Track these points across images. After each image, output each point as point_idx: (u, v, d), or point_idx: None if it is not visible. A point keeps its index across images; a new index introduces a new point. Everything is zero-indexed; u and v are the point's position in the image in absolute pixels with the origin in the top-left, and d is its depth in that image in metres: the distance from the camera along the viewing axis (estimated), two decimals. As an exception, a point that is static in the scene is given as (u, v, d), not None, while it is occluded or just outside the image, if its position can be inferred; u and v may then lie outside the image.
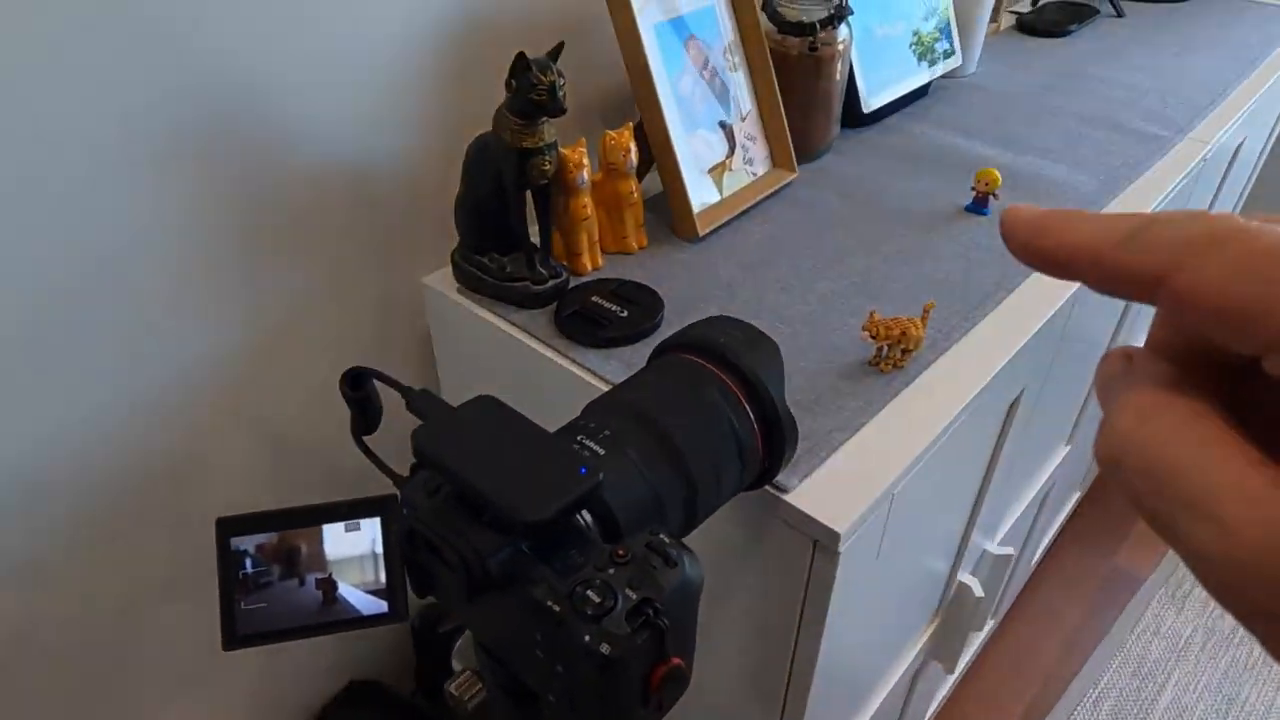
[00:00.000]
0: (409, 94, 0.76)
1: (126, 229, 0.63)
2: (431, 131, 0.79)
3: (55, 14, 0.54)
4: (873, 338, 0.66)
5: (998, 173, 0.87)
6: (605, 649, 0.36)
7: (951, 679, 1.38)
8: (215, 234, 0.69)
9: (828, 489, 0.58)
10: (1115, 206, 0.92)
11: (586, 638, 0.36)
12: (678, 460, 0.46)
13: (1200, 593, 1.73)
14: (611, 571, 0.38)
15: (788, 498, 0.57)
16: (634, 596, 0.37)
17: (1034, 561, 1.62)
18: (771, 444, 0.51)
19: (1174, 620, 1.68)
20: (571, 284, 0.76)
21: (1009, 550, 1.06)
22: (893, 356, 0.68)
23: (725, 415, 0.49)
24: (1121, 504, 1.93)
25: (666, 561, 0.38)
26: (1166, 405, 0.16)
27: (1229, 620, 1.67)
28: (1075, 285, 0.79)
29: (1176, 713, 1.53)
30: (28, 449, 0.65)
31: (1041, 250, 0.18)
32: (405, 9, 0.72)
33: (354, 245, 0.79)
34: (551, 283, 0.74)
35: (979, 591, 1.00)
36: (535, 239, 0.75)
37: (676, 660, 0.39)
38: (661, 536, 0.39)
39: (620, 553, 0.39)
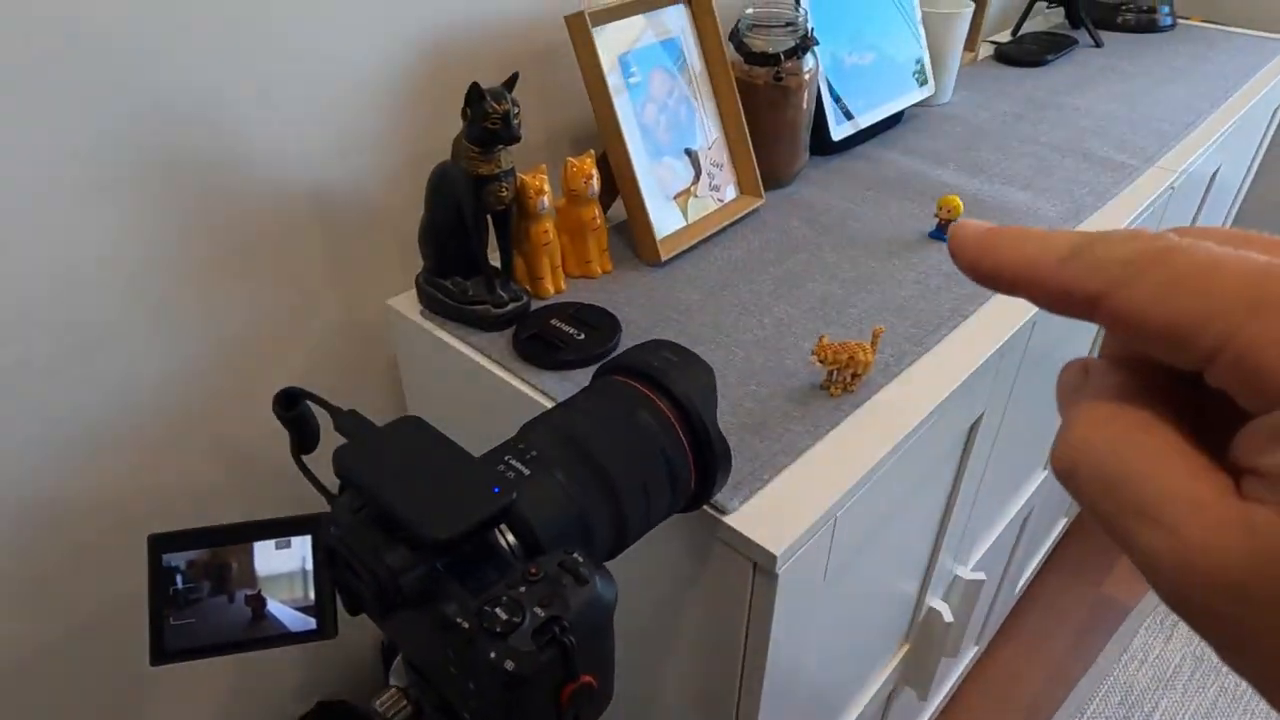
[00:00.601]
0: (374, 119, 0.78)
1: (89, 251, 0.65)
2: (397, 156, 0.81)
3: (21, 37, 0.56)
4: (821, 362, 0.67)
5: (959, 200, 0.88)
6: (510, 665, 0.36)
7: (932, 708, 1.37)
8: (180, 257, 0.70)
9: (768, 511, 0.58)
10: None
11: (492, 654, 0.37)
12: (605, 481, 0.47)
13: (1188, 620, 1.72)
14: (523, 589, 0.39)
15: (727, 519, 0.58)
16: (542, 614, 0.38)
17: (1018, 589, 1.61)
18: (703, 466, 0.52)
19: (1162, 648, 1.67)
20: (533, 307, 0.78)
21: (980, 576, 1.06)
22: (842, 380, 0.68)
23: (656, 437, 0.50)
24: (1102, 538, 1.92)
25: (577, 580, 0.39)
26: (1118, 415, 0.17)
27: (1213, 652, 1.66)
28: (1031, 311, 0.80)
29: (1162, 742, 1.51)
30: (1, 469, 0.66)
31: (988, 268, 0.19)
32: (370, 36, 0.74)
33: (321, 269, 0.80)
34: (511, 306, 0.76)
35: (949, 617, 0.99)
36: (498, 263, 0.76)
37: (587, 678, 0.39)
38: (575, 555, 0.40)
39: (533, 571, 0.39)
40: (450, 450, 0.41)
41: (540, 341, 0.73)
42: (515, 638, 0.37)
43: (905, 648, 1.03)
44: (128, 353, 0.70)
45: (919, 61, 1.17)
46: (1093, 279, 0.16)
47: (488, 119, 0.65)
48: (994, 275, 0.19)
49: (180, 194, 0.68)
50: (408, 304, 0.80)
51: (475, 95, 0.65)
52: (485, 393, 0.74)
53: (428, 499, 0.38)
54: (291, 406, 0.48)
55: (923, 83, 1.18)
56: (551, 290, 0.80)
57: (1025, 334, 0.81)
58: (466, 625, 0.38)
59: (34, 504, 0.69)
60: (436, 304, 0.77)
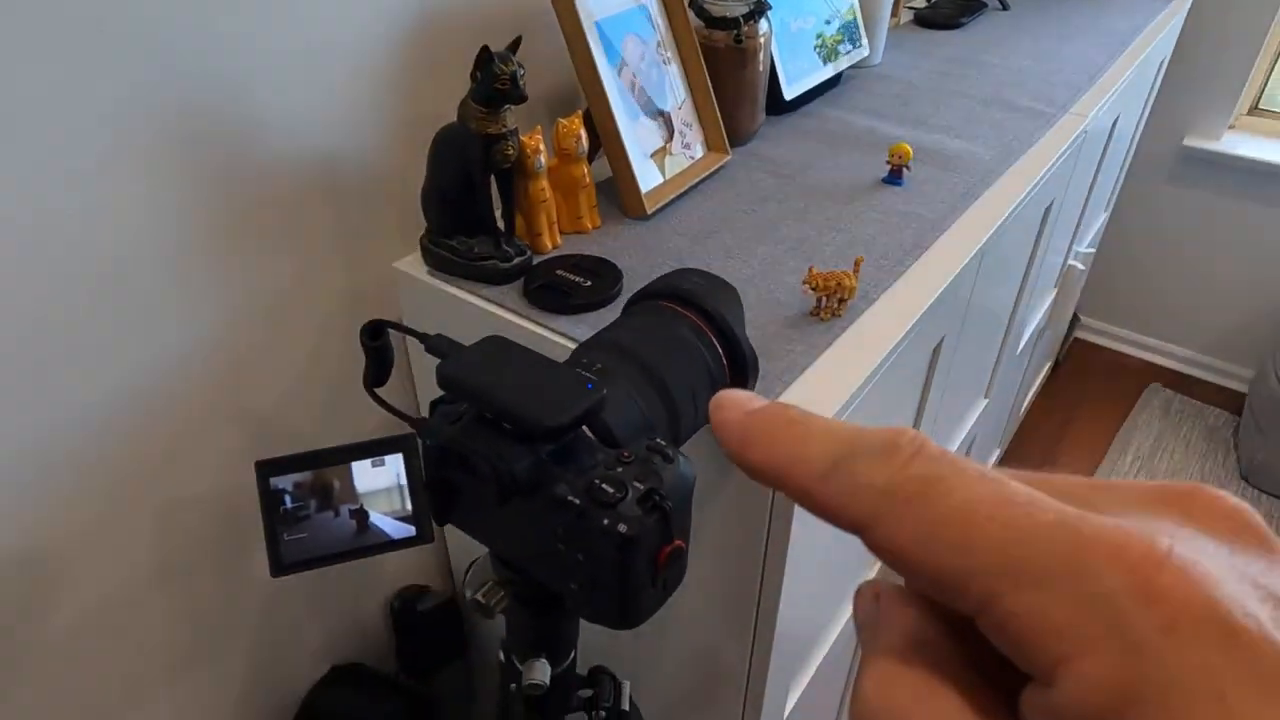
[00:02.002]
0: (371, 88, 0.81)
1: (106, 225, 0.66)
2: (392, 124, 0.84)
3: (37, 9, 0.58)
4: (812, 289, 0.74)
5: (909, 147, 0.97)
6: (622, 528, 0.42)
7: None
8: (191, 229, 0.72)
9: (785, 418, 0.66)
10: (1011, 174, 1.03)
11: (605, 521, 0.43)
12: (661, 387, 0.53)
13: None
14: (619, 470, 0.45)
15: (751, 427, 0.65)
16: (641, 487, 0.44)
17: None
18: (736, 374, 0.58)
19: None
20: (535, 261, 0.83)
21: (940, 492, 1.17)
22: (830, 306, 0.76)
23: (697, 348, 0.56)
24: (1039, 457, 2.09)
25: (665, 459, 0.45)
26: (901, 677, 0.16)
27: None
28: (981, 241, 0.90)
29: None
30: (18, 445, 0.67)
31: (750, 466, 0.18)
32: (365, 8, 0.78)
33: (324, 237, 0.83)
34: (518, 260, 0.80)
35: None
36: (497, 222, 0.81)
37: (679, 542, 0.46)
38: (659, 440, 0.46)
39: (625, 455, 0.45)
40: (538, 358, 0.47)
41: (550, 290, 0.78)
42: (623, 506, 0.43)
43: (878, 566, 1.13)
44: (159, 325, 0.72)
45: (851, 29, 1.26)
46: (853, 506, 0.16)
47: (497, 80, 0.69)
48: (758, 475, 0.18)
49: (198, 165, 0.70)
50: (413, 265, 0.84)
51: (485, 58, 0.69)
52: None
53: (535, 395, 0.44)
54: (378, 336, 0.52)
55: (858, 45, 1.27)
56: (549, 245, 0.85)
57: (975, 264, 0.91)
58: (578, 501, 0.43)
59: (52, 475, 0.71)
60: (444, 263, 0.81)
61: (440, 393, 0.49)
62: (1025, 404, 2.06)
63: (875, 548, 0.16)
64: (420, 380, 0.97)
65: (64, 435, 0.70)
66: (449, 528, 0.50)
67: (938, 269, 0.85)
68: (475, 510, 0.50)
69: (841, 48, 1.23)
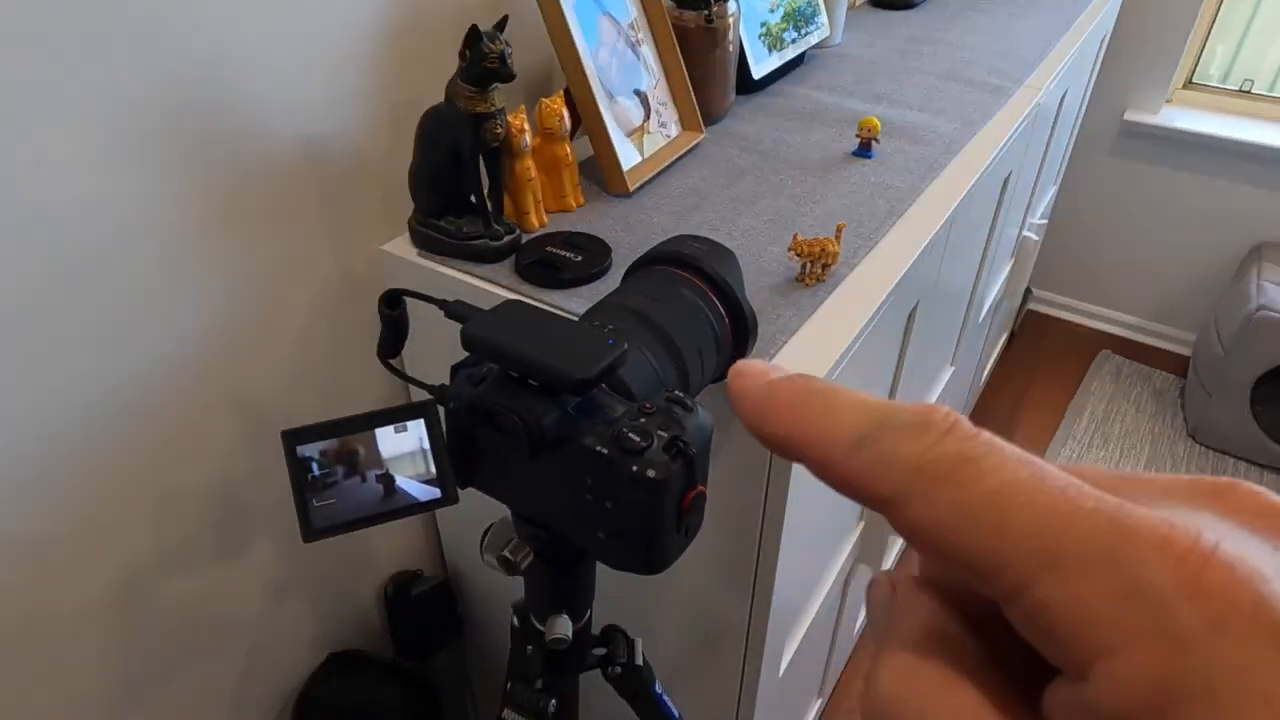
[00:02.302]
0: (355, 72, 0.82)
1: (99, 215, 0.66)
2: (375, 107, 0.85)
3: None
4: (798, 255, 0.77)
5: (878, 120, 1.01)
6: (651, 473, 0.44)
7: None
8: (184, 217, 0.72)
9: (780, 378, 0.68)
10: (973, 145, 1.07)
11: (634, 468, 0.45)
12: (671, 346, 0.55)
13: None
14: (643, 420, 0.47)
15: (749, 387, 0.67)
16: (665, 435, 0.46)
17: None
18: (738, 333, 0.61)
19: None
20: (524, 239, 0.84)
21: (915, 455, 1.21)
22: (815, 272, 0.79)
23: (701, 309, 0.58)
24: (1000, 424, 2.16)
25: (685, 409, 0.47)
26: (920, 670, 0.16)
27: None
28: (950, 209, 0.93)
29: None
30: (20, 432, 0.67)
31: (771, 437, 0.18)
32: (347, -5, 0.78)
33: (312, 221, 0.83)
34: (507, 238, 0.82)
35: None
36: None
37: (701, 487, 0.48)
38: (677, 392, 0.48)
39: (647, 405, 0.47)
40: (557, 318, 0.49)
41: (542, 266, 0.80)
42: (650, 453, 0.45)
43: (860, 526, 1.17)
44: (155, 311, 0.72)
45: (805, 12, 1.29)
46: (881, 481, 0.16)
47: (486, 58, 0.71)
48: (778, 447, 0.18)
49: (186, 150, 0.70)
50: (402, 247, 0.85)
51: (474, 36, 0.70)
52: (495, 318, 0.80)
53: (561, 351, 0.45)
54: (395, 305, 0.53)
55: (819, 26, 1.30)
56: (536, 224, 0.87)
57: (945, 233, 0.94)
58: (606, 451, 0.45)
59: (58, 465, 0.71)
60: (434, 243, 0.82)
61: (450, 363, 0.50)
62: (985, 374, 2.13)
63: (902, 526, 0.15)
64: (412, 356, 0.98)
65: (62, 427, 0.69)
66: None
67: (912, 235, 0.88)
68: (499, 470, 0.51)
69: (786, 35, 1.25)
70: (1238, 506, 0.15)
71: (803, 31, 1.26)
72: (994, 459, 0.15)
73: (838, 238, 0.78)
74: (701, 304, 0.58)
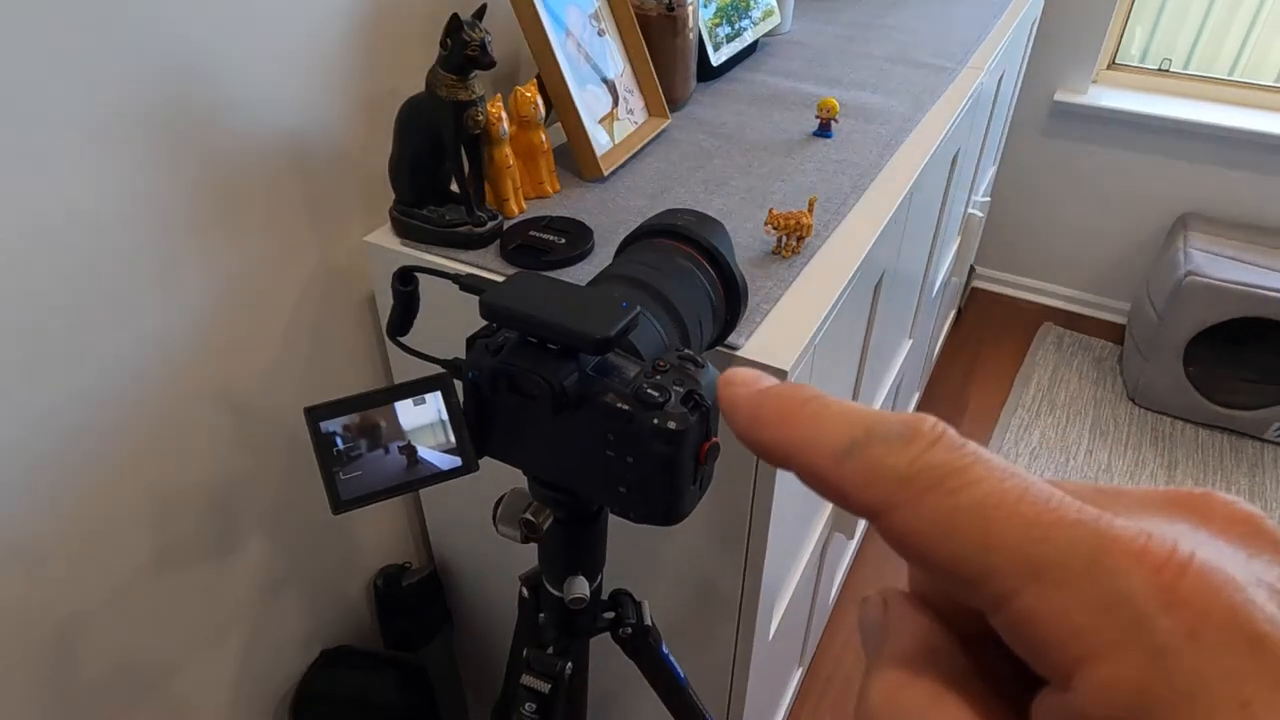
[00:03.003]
0: (328, 67, 0.82)
1: (86, 216, 0.66)
2: (351, 100, 0.86)
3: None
4: (775, 229, 0.81)
5: (836, 101, 1.05)
6: (671, 425, 0.47)
7: (851, 549, 1.58)
8: (168, 215, 0.72)
9: (767, 344, 0.71)
10: (925, 122, 1.12)
11: (655, 421, 0.47)
12: (672, 311, 0.58)
13: (1025, 459, 2.05)
14: (658, 377, 0.49)
15: (740, 353, 0.70)
16: (681, 390, 0.48)
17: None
18: (730, 299, 0.63)
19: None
20: (505, 225, 0.86)
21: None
22: (790, 245, 0.82)
23: (696, 276, 0.61)
24: (952, 395, 2.24)
25: (696, 365, 0.50)
26: (909, 686, 0.16)
27: (1047, 477, 2.00)
28: (914, 176, 0.98)
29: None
30: (9, 440, 0.66)
31: (761, 444, 0.18)
32: (321, -11, 0.79)
33: (293, 215, 0.84)
34: (490, 224, 0.83)
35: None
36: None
37: (715, 438, 0.51)
38: (687, 350, 0.51)
39: (661, 364, 0.50)
40: (569, 285, 0.51)
41: (527, 250, 0.81)
42: (670, 406, 0.47)
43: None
44: (138, 306, 0.72)
45: (722, 10, 1.33)
46: (869, 490, 0.16)
47: (468, 46, 0.72)
48: (768, 454, 0.18)
49: (169, 146, 0.70)
50: (384, 237, 0.86)
51: (455, 25, 0.72)
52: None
53: (579, 314, 0.48)
54: (408, 282, 0.55)
55: (770, 13, 1.34)
56: (516, 210, 0.89)
57: (906, 204, 0.99)
58: (627, 407, 0.48)
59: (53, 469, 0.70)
60: (417, 232, 0.83)
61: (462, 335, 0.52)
62: (938, 348, 2.21)
63: (889, 535, 0.16)
64: (391, 343, 0.99)
65: (55, 430, 0.69)
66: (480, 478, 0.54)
67: (877, 208, 0.92)
68: (516, 436, 0.53)
69: (720, 30, 1.27)
70: (1212, 516, 0.16)
71: (736, 26, 1.29)
72: (980, 469, 0.15)
73: (810, 211, 0.82)
74: (697, 272, 0.61)
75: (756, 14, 1.31)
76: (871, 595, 0.19)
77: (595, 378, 0.49)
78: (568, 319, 0.47)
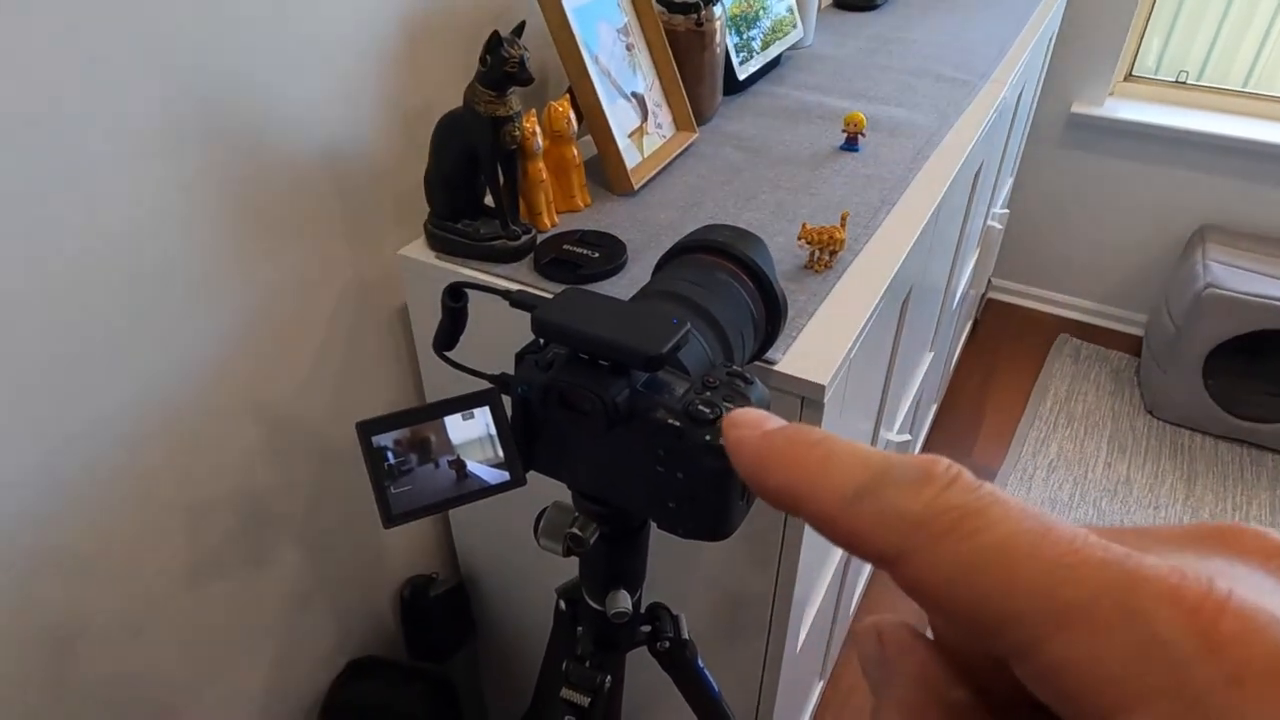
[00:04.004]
0: (365, 81, 0.83)
1: (127, 222, 0.67)
2: (389, 114, 0.87)
3: (67, 10, 0.58)
4: (808, 243, 0.81)
5: (863, 115, 1.05)
6: (723, 441, 0.47)
7: (869, 566, 1.57)
8: (210, 228, 0.73)
9: (804, 358, 0.72)
10: (950, 136, 1.12)
11: (706, 438, 0.47)
12: (716, 328, 0.58)
13: (1042, 472, 2.05)
14: (708, 394, 0.49)
15: (777, 367, 0.71)
16: (731, 406, 0.49)
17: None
18: (771, 313, 0.64)
19: (1026, 497, 1.98)
20: (538, 239, 0.86)
21: (906, 436, 1.26)
22: (823, 259, 0.83)
23: (738, 291, 0.61)
24: (969, 408, 2.24)
25: (745, 382, 0.50)
26: None
27: (1065, 491, 1.99)
28: (943, 191, 0.98)
29: (1042, 569, 1.81)
30: (53, 443, 0.67)
31: (767, 488, 0.17)
32: (358, 4, 0.80)
33: (329, 228, 0.85)
34: (524, 238, 0.84)
35: (891, 472, 1.18)
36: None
37: (763, 454, 0.51)
38: (736, 366, 0.51)
39: (710, 380, 0.50)
40: (618, 302, 0.51)
41: (561, 264, 0.82)
42: (720, 423, 0.48)
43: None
44: (174, 324, 0.73)
45: (791, 9, 1.34)
46: (882, 536, 0.15)
47: (507, 63, 0.73)
48: (775, 500, 0.17)
49: (211, 164, 0.71)
50: (419, 251, 0.86)
51: (494, 42, 0.73)
52: (517, 318, 0.82)
53: (632, 330, 0.48)
54: (459, 298, 0.55)
55: (794, 26, 1.35)
56: (548, 224, 0.89)
57: (934, 221, 0.99)
58: (678, 424, 0.48)
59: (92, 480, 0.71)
60: (453, 246, 0.84)
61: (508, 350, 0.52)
62: (954, 361, 2.21)
63: (904, 582, 0.15)
64: (423, 353, 0.99)
65: (97, 437, 0.70)
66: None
67: (907, 222, 0.92)
68: (562, 451, 0.54)
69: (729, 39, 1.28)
70: (1245, 548, 0.15)
71: (745, 37, 1.31)
72: (998, 511, 0.14)
73: (843, 225, 0.82)
74: (738, 287, 0.61)
75: (766, 24, 1.32)
76: (864, 628, 0.18)
77: (645, 394, 0.49)
78: (620, 335, 0.48)
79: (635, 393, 0.49)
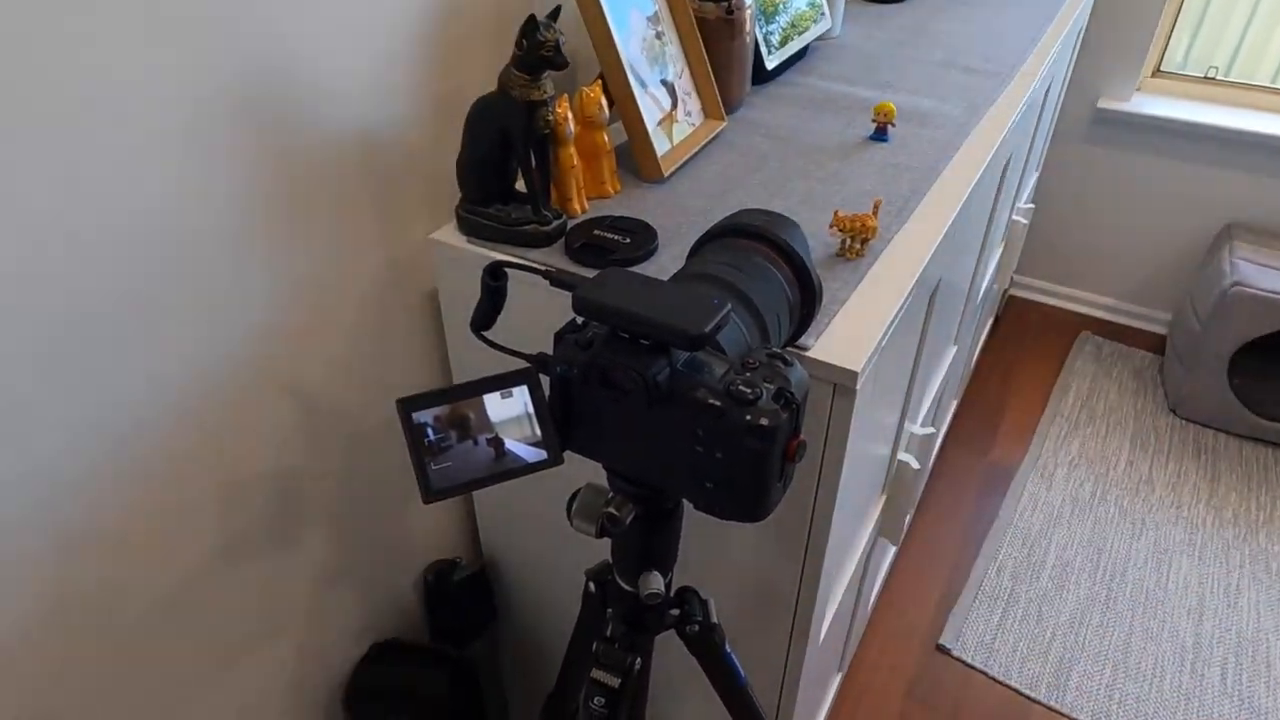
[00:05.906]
0: (400, 63, 0.83)
1: (165, 203, 0.67)
2: (421, 98, 0.87)
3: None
4: (840, 231, 0.81)
5: (893, 105, 1.05)
6: (764, 421, 0.47)
7: (889, 556, 1.57)
8: (246, 208, 0.73)
9: (837, 345, 0.72)
10: (980, 128, 1.12)
11: (747, 417, 0.48)
12: (753, 310, 0.58)
13: (1063, 469, 2.03)
14: (749, 374, 0.49)
15: (810, 354, 0.70)
16: (772, 387, 0.49)
17: (929, 463, 1.85)
18: (806, 297, 0.64)
19: (1046, 495, 1.97)
20: (569, 225, 0.86)
21: (930, 430, 1.25)
22: (854, 247, 0.82)
23: (775, 275, 0.61)
24: (991, 404, 2.22)
25: (785, 363, 0.51)
26: None
27: (1086, 489, 1.98)
28: (974, 181, 0.98)
29: (1061, 566, 1.80)
30: (87, 425, 0.68)
31: None
32: (395, -11, 0.80)
33: (362, 211, 0.85)
34: (555, 223, 0.84)
35: (915, 465, 1.17)
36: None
37: (802, 436, 0.51)
38: (776, 349, 0.51)
39: (750, 361, 0.50)
40: (659, 282, 0.51)
41: (592, 249, 0.82)
42: (762, 403, 0.48)
43: (884, 499, 1.21)
44: (210, 304, 0.73)
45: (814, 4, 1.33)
46: None
47: (543, 46, 0.73)
48: None
49: (247, 147, 0.72)
50: (450, 235, 0.87)
51: (531, 26, 0.73)
52: (550, 301, 0.82)
53: (674, 309, 0.48)
54: (498, 277, 0.55)
55: (822, 16, 1.34)
56: (579, 210, 0.89)
57: (965, 213, 0.99)
58: (719, 403, 0.48)
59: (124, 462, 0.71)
60: (485, 230, 0.84)
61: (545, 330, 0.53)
62: (975, 356, 2.19)
63: None
64: (451, 336, 1.00)
65: (132, 416, 0.70)
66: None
67: (938, 212, 0.92)
68: (599, 431, 0.54)
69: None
70: None
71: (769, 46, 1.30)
72: None
73: (875, 213, 0.82)
74: (774, 271, 0.61)
75: (793, 14, 1.31)
76: None
77: (686, 373, 0.50)
78: (663, 314, 0.48)
79: (676, 372, 0.49)
